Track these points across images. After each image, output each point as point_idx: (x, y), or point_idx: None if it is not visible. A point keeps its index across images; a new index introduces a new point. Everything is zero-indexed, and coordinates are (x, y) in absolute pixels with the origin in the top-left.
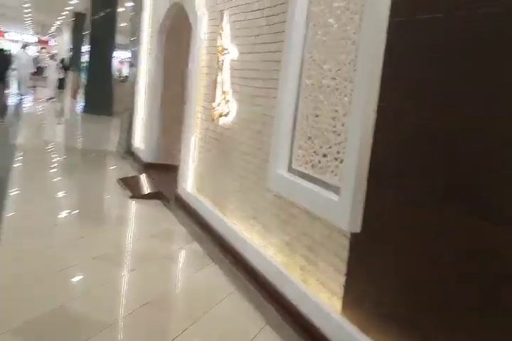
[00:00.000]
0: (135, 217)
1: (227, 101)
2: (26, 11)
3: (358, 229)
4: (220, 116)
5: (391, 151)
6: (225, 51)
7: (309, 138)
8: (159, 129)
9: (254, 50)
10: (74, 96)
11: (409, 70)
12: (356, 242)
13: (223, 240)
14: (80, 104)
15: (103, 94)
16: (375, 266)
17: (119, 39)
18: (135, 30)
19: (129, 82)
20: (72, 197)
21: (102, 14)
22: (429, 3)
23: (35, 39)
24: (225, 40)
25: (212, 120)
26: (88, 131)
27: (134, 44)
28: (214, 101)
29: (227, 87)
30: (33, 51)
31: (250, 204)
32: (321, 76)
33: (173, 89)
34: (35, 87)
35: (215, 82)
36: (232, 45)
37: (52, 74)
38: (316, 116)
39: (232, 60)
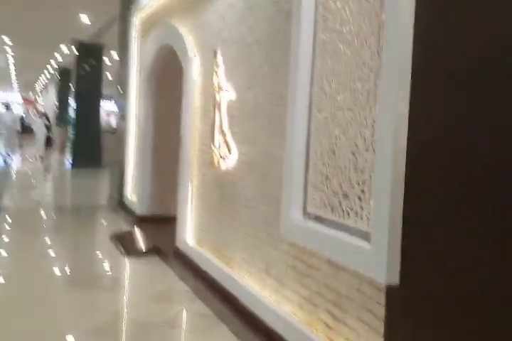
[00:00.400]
0: (131, 277)
1: (227, 142)
2: (11, 70)
3: (396, 280)
4: (221, 159)
5: (428, 189)
6: (222, 89)
7: (326, 177)
8: (152, 179)
9: (253, 85)
10: (62, 152)
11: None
12: (394, 296)
13: (231, 297)
14: (69, 160)
15: (91, 146)
16: (419, 324)
17: (107, 90)
18: (122, 81)
19: (118, 133)
20: (63, 259)
21: (87, 68)
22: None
23: (19, 98)
24: (221, 77)
25: (212, 164)
26: (77, 186)
27: (121, 95)
28: (213, 143)
29: (226, 127)
30: (18, 110)
31: (260, 256)
32: (334, 108)
33: (165, 136)
34: (21, 145)
35: (212, 123)
36: (229, 83)
37: (40, 132)
38: (333, 152)
39: (229, 99)
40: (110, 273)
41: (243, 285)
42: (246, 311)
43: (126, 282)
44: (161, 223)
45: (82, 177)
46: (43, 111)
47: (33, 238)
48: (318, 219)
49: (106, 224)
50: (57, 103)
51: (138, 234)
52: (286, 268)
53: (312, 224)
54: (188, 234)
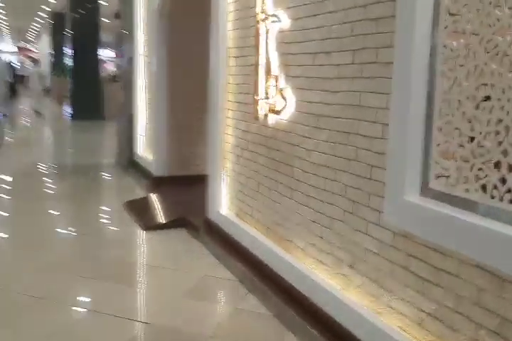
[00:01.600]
0: (156, 261)
1: (281, 90)
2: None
3: None
4: (271, 112)
5: None
6: (269, 17)
7: (471, 138)
8: (169, 134)
9: (322, 9)
10: (60, 103)
11: None
12: None
13: (295, 293)
14: (68, 111)
15: (92, 97)
16: None
17: (107, 37)
18: (126, 17)
19: (124, 81)
20: (70, 241)
21: (83, 11)
22: None
23: (13, 47)
24: (269, 2)
25: (256, 119)
26: (79, 142)
27: (125, 36)
28: (256, 92)
29: (277, 70)
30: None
31: (340, 244)
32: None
33: (184, 83)
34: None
35: (255, 66)
36: (281, 9)
37: (35, 83)
38: (486, 98)
39: (281, 31)
40: (128, 257)
41: (312, 279)
42: (321, 316)
43: (150, 271)
44: (183, 186)
45: (83, 131)
46: (37, 59)
47: (33, 210)
48: (453, 199)
49: (116, 188)
50: (52, 51)
51: (157, 200)
52: (390, 267)
53: (442, 208)
54: (224, 204)
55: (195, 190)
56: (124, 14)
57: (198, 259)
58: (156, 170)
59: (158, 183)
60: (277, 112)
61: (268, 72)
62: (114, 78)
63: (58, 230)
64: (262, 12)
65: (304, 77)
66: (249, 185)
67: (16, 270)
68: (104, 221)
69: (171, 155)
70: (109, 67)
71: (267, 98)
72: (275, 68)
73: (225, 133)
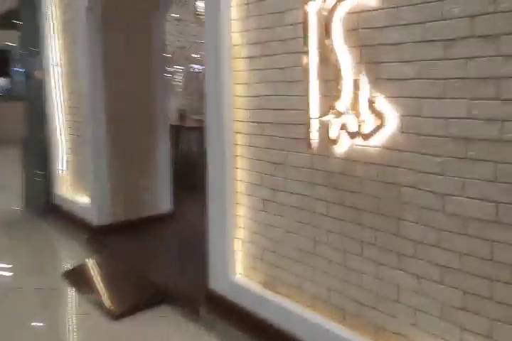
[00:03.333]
0: None
1: (371, 101)
2: None
3: None
4: (351, 135)
5: None
6: None
7: None
8: (111, 164)
9: None
10: None
11: None
12: None
13: None
14: None
15: None
16: None
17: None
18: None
19: (29, 99)
20: None
21: None
22: None
23: None
24: None
25: (309, 146)
26: None
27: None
28: (308, 108)
29: (352, 71)
30: None
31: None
32: None
33: (128, 100)
34: None
35: (305, 70)
36: None
37: None
38: None
39: (362, 11)
40: None
41: None
42: None
43: None
44: (140, 235)
45: None
46: None
47: None
48: None
49: (39, 248)
50: None
51: (113, 265)
52: None
53: None
54: (239, 269)
55: (160, 241)
56: (25, 15)
57: None
58: (97, 217)
59: (102, 235)
60: (366, 135)
61: (337, 76)
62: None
63: None
64: None
65: (419, 78)
66: (292, 242)
67: None
68: (42, 310)
69: (115, 195)
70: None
71: (338, 114)
72: (348, 69)
73: (235, 167)
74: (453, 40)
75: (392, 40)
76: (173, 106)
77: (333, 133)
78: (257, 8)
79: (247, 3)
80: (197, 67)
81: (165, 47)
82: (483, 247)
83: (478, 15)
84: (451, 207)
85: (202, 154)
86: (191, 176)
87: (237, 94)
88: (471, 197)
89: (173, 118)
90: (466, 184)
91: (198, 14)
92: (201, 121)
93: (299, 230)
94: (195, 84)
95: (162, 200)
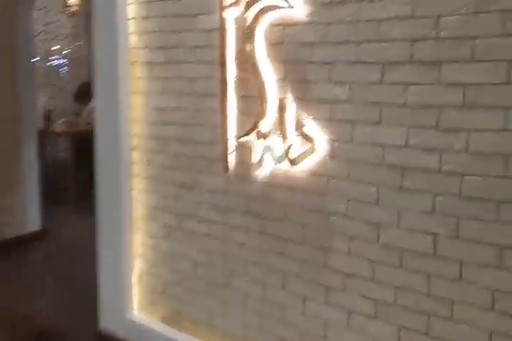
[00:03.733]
0: None
1: (299, 124)
2: None
3: None
4: (277, 158)
5: None
6: (263, 2)
7: None
8: None
9: None
10: None
11: None
12: None
13: None
14: None
15: None
16: None
17: None
18: None
19: None
20: None
21: None
22: None
23: None
24: None
25: (226, 169)
26: None
27: None
28: (225, 127)
29: (273, 89)
30: None
31: None
32: None
33: None
34: None
35: (223, 83)
36: None
37: None
38: None
39: (288, 24)
40: None
41: None
42: None
43: None
44: (9, 261)
45: None
46: None
47: None
48: None
49: None
50: None
51: None
52: None
53: None
54: (137, 304)
55: (34, 268)
56: None
57: None
58: None
59: None
60: (293, 160)
61: (260, 93)
62: None
63: None
64: None
65: (353, 102)
66: (202, 274)
67: None
68: None
69: None
70: None
71: (261, 135)
72: (272, 86)
73: (132, 188)
74: (392, 63)
75: (322, 58)
76: (40, 106)
77: (255, 156)
78: (161, 8)
79: (149, 2)
80: (58, 58)
81: (32, 38)
82: (420, 281)
83: (420, 40)
84: (386, 238)
85: (76, 164)
86: (64, 190)
87: (135, 104)
88: (407, 229)
89: (41, 121)
90: (401, 214)
91: (68, 5)
92: (70, 124)
93: (210, 261)
94: (57, 80)
95: (30, 218)
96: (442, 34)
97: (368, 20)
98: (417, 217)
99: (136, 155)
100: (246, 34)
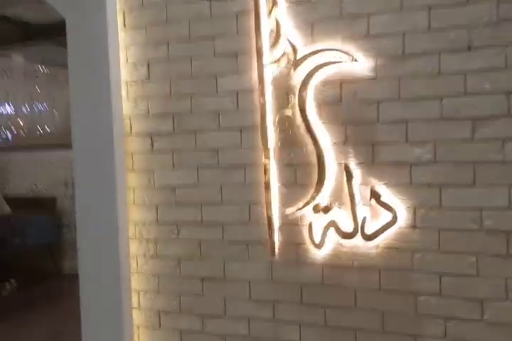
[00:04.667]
0: None
1: (374, 193)
2: None
3: None
4: (343, 234)
5: None
6: (317, 56)
7: None
8: None
9: None
10: None
11: None
12: None
13: None
14: None
15: None
16: None
17: None
18: None
19: None
20: None
21: None
22: None
23: None
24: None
25: (273, 252)
26: None
27: None
28: (269, 201)
29: (330, 154)
30: None
31: None
32: None
33: None
34: None
35: (265, 149)
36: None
37: None
38: None
39: (350, 81)
40: None
41: None
42: None
43: None
44: None
45: None
46: None
47: None
48: None
49: None
50: None
51: None
52: None
53: None
54: None
55: None
56: None
57: None
58: None
59: None
60: (369, 235)
61: (318, 161)
62: None
63: None
64: (277, 36)
65: (440, 161)
66: None
67: None
68: None
69: None
70: None
71: (321, 210)
72: (329, 151)
73: (137, 290)
74: (484, 118)
75: (394, 116)
76: None
77: (313, 234)
78: (167, 69)
79: (151, 61)
80: None
81: None
82: None
83: None
84: (492, 315)
85: None
86: None
87: (132, 185)
88: None
89: None
90: (510, 285)
91: None
92: None
93: None
94: None
95: None
96: None
97: (451, 73)
98: None
99: (136, 247)
100: (289, 95)
